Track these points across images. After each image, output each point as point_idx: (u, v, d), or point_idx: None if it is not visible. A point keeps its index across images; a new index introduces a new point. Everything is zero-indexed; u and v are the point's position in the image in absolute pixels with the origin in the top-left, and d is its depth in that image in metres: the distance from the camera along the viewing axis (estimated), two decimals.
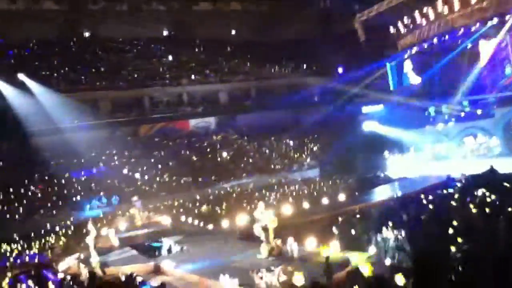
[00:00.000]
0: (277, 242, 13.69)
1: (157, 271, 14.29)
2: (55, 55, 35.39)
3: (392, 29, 35.16)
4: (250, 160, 32.84)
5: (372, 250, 12.17)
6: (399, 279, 8.19)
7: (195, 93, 39.46)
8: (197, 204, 24.27)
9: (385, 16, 36.43)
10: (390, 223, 12.47)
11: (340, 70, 42.60)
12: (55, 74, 33.39)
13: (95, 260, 15.06)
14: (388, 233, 11.98)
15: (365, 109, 38.15)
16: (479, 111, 30.17)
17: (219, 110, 39.65)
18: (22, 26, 34.16)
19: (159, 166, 30.39)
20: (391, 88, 38.67)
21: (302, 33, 44.44)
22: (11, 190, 25.42)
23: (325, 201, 20.73)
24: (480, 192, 14.58)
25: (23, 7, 35.38)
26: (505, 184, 15.25)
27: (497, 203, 12.93)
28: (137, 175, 28.85)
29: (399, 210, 14.73)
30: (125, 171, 29.12)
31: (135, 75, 37.00)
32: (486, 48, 31.19)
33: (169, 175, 29.32)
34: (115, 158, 30.90)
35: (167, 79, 38.26)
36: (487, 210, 12.18)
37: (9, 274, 14.81)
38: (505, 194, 13.68)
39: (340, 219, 15.66)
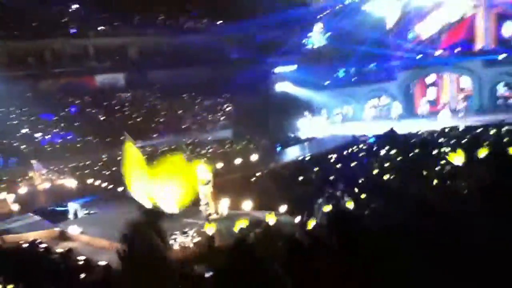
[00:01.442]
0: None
1: (63, 237, 13.59)
2: None
3: None
4: (162, 120, 31.95)
5: (283, 208, 12.55)
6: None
7: (102, 46, 37.09)
8: (105, 165, 23.26)
9: None
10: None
11: (253, 28, 42.32)
12: None
13: None
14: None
15: (278, 69, 38.57)
16: (383, 74, 31.94)
17: (128, 65, 37.76)
18: None
19: (62, 125, 28.48)
20: (303, 49, 39.47)
21: None
22: None
23: (238, 161, 20.90)
24: (383, 151, 15.55)
25: None
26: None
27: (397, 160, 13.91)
28: (38, 135, 26.82)
29: (309, 169, 15.30)
30: (24, 130, 26.90)
31: (35, 24, 33.69)
32: (392, 12, 32.75)
33: (74, 135, 27.65)
34: (13, 116, 28.36)
35: (71, 30, 35.42)
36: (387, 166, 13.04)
37: None
38: (403, 151, 14.67)
39: (253, 179, 15.91)
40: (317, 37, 38.93)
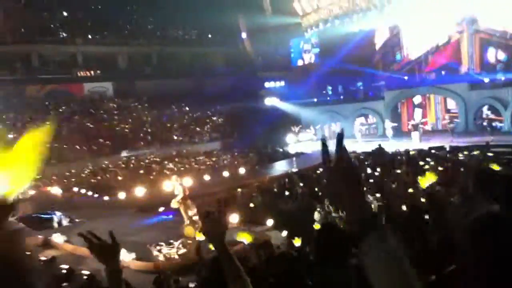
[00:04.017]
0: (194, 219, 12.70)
1: (47, 244, 13.37)
2: None
3: (297, 6, 35.88)
4: (149, 130, 31.78)
5: (270, 222, 12.55)
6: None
7: (91, 54, 36.94)
8: (91, 174, 23.02)
9: None
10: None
11: (245, 41, 42.73)
12: None
13: None
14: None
15: (267, 84, 38.89)
16: (371, 93, 32.47)
17: (117, 74, 37.63)
18: None
19: (49, 131, 28.08)
20: (293, 65, 39.88)
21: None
22: None
23: (225, 174, 20.89)
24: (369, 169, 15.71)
25: None
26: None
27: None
28: None
29: (296, 184, 15.36)
30: (9, 136, 26.42)
31: (23, 29, 33.47)
32: (381, 34, 33.40)
33: (60, 143, 27.29)
34: None
35: (59, 37, 35.24)
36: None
37: None
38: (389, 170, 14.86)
39: (240, 192, 15.91)
40: (305, 54, 39.41)
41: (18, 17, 33.82)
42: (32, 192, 19.80)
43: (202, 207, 13.46)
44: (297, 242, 9.19)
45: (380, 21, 31.57)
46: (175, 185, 12.93)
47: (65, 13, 37.34)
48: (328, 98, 34.93)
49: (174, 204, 12.82)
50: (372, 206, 10.90)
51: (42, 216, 15.93)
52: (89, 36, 37.09)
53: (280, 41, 39.65)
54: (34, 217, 16.11)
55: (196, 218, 12.78)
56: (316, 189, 13.96)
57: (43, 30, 34.91)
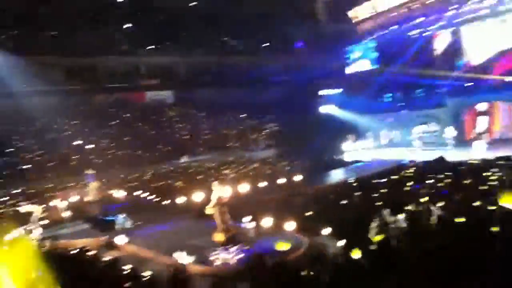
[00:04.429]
0: (227, 226, 12.94)
1: (110, 246, 13.99)
2: (2, 13, 33.07)
3: (353, 13, 35.54)
4: (207, 137, 32.54)
5: (326, 231, 12.44)
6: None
7: (152, 64, 38.42)
8: (152, 179, 23.87)
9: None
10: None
11: (300, 49, 42.75)
12: (3, 36, 31.39)
13: (37, 233, 14.68)
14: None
15: (323, 92, 38.62)
16: (432, 100, 31.36)
17: (177, 83, 38.86)
18: None
19: (113, 138, 29.53)
20: (349, 73, 39.39)
21: (266, 7, 43.80)
22: None
23: (281, 181, 20.92)
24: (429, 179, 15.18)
25: None
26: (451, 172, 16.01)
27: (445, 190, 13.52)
28: (90, 147, 27.90)
29: (353, 193, 15.12)
30: (77, 142, 28.07)
31: (91, 42, 35.40)
32: (442, 38, 32.28)
33: (123, 148, 28.59)
34: (67, 128, 29.69)
35: (123, 48, 36.93)
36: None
37: None
38: (452, 181, 14.27)
39: (295, 199, 15.89)
40: (364, 61, 38.82)
41: (86, 30, 35.80)
42: (98, 195, 20.90)
43: (257, 215, 13.62)
44: (356, 253, 9.02)
45: (441, 25, 30.57)
46: (214, 191, 13.26)
47: (129, 26, 39.06)
48: (386, 105, 34.15)
49: (208, 210, 13.16)
50: (434, 217, 10.56)
51: (106, 218, 16.68)
52: (151, 47, 38.56)
53: (335, 48, 39.30)
54: (98, 219, 16.96)
55: (227, 226, 13.02)
56: (374, 198, 13.68)
57: (109, 42, 36.73)
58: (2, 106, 26.74)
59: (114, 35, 37.47)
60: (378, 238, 9.53)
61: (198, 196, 17.17)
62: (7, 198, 20.45)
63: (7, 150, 25.74)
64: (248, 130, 34.70)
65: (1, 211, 18.43)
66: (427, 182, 14.84)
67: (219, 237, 12.88)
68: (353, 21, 36.29)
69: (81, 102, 33.35)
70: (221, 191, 13.42)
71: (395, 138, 31.62)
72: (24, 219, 16.36)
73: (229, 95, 37.28)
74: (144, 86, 37.46)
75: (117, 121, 32.28)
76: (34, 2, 35.16)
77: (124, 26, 38.92)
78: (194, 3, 42.88)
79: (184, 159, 28.42)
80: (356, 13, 35.39)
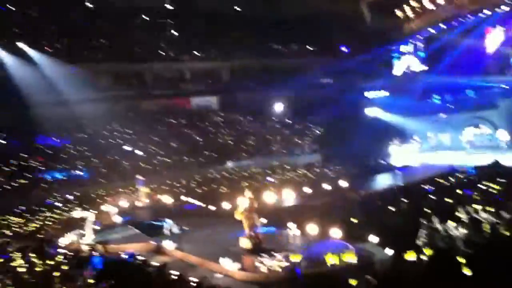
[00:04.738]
0: (254, 233, 13.21)
1: (158, 251, 14.32)
2: (56, 25, 34.70)
3: (399, 13, 34.72)
4: (251, 141, 32.70)
5: (373, 239, 12.20)
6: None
7: (197, 70, 39.08)
8: (198, 184, 24.25)
9: None
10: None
11: (344, 51, 42.24)
12: (56, 45, 32.90)
13: (89, 238, 15.28)
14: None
15: (368, 94, 37.93)
16: (483, 101, 30.08)
17: (221, 88, 39.32)
18: None
19: (160, 143, 30.21)
20: (396, 74, 38.51)
21: (308, 10, 43.64)
22: (13, 162, 25.22)
23: (326, 186, 20.72)
24: (483, 185, 14.59)
25: None
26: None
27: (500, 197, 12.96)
28: (138, 152, 28.68)
29: (400, 199, 14.76)
30: (126, 147, 28.95)
31: (137, 49, 36.49)
32: (493, 36, 30.97)
33: (170, 153, 29.20)
34: (116, 134, 30.68)
35: (169, 54, 37.79)
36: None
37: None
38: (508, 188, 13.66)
39: (341, 205, 15.70)
40: (411, 62, 37.87)
41: (133, 37, 36.92)
42: (147, 200, 21.51)
43: (302, 221, 13.55)
44: (410, 255, 8.78)
45: (492, 22, 29.34)
46: (245, 197, 13.37)
47: (174, 33, 39.94)
48: (435, 107, 33.08)
49: (237, 215, 13.26)
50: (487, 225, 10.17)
51: (155, 223, 17.08)
52: (195, 53, 39.23)
53: (381, 49, 38.53)
54: (147, 224, 17.39)
55: (255, 233, 13.05)
56: (422, 205, 13.30)
57: (155, 49, 37.69)
58: (57, 113, 28.00)
59: (160, 42, 38.42)
60: (429, 251, 9.25)
61: (242, 202, 17.32)
62: (61, 203, 21.28)
63: (61, 156, 26.87)
64: (292, 134, 34.61)
65: (56, 216, 19.25)
66: (479, 187, 14.31)
67: (245, 243, 13.02)
68: (400, 20, 35.45)
69: (130, 108, 34.37)
70: (251, 197, 13.62)
71: (444, 141, 30.54)
72: (77, 223, 17.14)
73: (273, 99, 37.37)
74: (189, 91, 38.14)
75: (164, 126, 33.01)
76: (85, 14, 36.98)
77: (170, 34, 39.85)
78: (238, 8, 43.46)
79: (229, 164, 28.68)
80: (403, 12, 34.54)
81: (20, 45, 29.74)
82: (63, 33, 34.09)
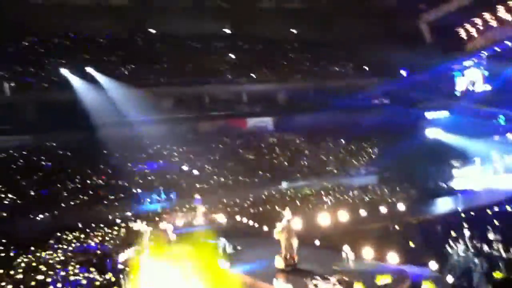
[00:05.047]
0: (289, 253, 13.33)
1: None
2: (122, 50, 36.71)
3: (461, 31, 33.71)
4: (306, 163, 32.59)
5: (432, 265, 11.74)
6: None
7: (253, 92, 39.71)
8: (252, 204, 24.43)
9: (453, 17, 34.90)
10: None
11: (403, 72, 41.39)
12: (122, 69, 34.75)
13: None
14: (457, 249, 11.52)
15: (429, 115, 36.77)
16: None
17: (276, 110, 39.67)
18: (91, 22, 35.70)
19: (217, 164, 30.85)
20: (457, 94, 37.20)
21: (364, 32, 43.40)
22: (77, 179, 26.68)
23: (383, 209, 20.22)
24: None
25: (93, 3, 36.97)
26: None
27: None
28: (196, 172, 29.41)
29: (462, 226, 14.10)
30: (184, 167, 29.80)
31: (197, 72, 37.72)
32: None
33: (226, 174, 29.73)
34: (175, 154, 31.68)
35: (227, 77, 38.73)
36: None
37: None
38: None
39: (398, 229, 15.27)
40: (474, 80, 36.47)
41: (193, 61, 38.24)
42: (202, 219, 21.95)
43: (357, 245, 13.30)
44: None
45: None
46: (285, 218, 13.44)
47: (232, 56, 40.99)
48: (499, 128, 31.50)
49: (276, 235, 13.41)
50: None
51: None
52: (252, 75, 39.95)
53: (442, 68, 37.41)
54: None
55: (290, 253, 12.97)
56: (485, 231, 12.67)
57: (213, 72, 38.82)
58: (120, 134, 29.44)
59: (219, 65, 39.54)
60: (499, 274, 8.87)
61: (296, 223, 17.27)
62: (121, 220, 22.14)
63: (123, 174, 28.09)
64: (347, 155, 34.15)
65: (115, 232, 20.05)
66: None
67: (279, 262, 13.04)
68: (461, 39, 34.37)
69: (188, 129, 35.44)
70: (291, 218, 13.72)
71: (509, 164, 28.90)
72: (135, 239, 17.75)
73: (328, 120, 37.12)
74: (246, 113, 38.77)
75: (220, 147, 33.69)
76: (148, 40, 38.97)
77: (228, 57, 40.94)
78: (294, 31, 44.04)
79: (284, 185, 28.69)
80: (465, 30, 33.50)
81: (89, 69, 31.67)
82: (128, 58, 36.00)
